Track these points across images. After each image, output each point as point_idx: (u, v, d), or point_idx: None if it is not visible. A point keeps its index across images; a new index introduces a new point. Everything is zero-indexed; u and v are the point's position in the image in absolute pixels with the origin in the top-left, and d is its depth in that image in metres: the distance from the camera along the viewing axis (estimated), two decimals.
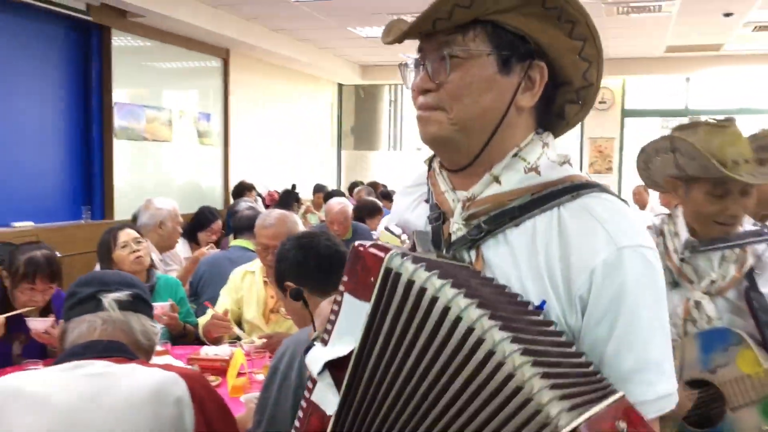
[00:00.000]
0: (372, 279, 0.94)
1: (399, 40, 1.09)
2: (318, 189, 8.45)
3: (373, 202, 6.31)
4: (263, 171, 8.40)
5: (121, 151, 6.14)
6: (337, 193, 7.54)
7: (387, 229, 1.19)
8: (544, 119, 1.13)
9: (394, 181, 9.77)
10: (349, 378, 0.96)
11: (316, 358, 1.00)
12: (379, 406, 0.93)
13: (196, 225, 4.94)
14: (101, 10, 5.67)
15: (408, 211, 1.24)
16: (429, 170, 1.19)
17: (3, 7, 5.02)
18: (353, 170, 11.66)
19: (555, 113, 1.15)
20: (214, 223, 4.92)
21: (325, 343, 1.01)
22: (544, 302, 0.99)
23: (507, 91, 1.06)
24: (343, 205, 5.20)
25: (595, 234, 0.99)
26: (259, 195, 7.45)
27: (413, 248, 1.08)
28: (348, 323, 0.98)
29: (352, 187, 8.92)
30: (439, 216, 1.12)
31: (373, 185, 8.69)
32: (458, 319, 0.87)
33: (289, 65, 9.02)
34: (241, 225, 4.18)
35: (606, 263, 0.97)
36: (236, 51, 7.79)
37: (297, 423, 1.04)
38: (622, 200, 1.06)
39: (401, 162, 12.03)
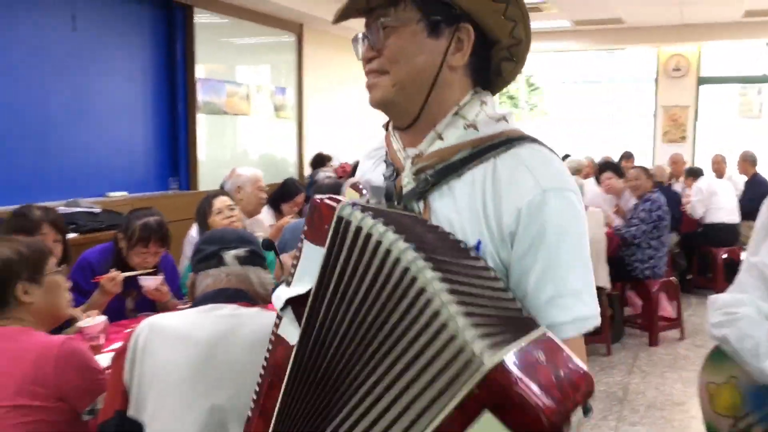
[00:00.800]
0: (326, 226, 1.06)
1: (341, 19, 1.23)
2: None
3: None
4: (336, 144, 8.61)
5: (204, 125, 6.44)
6: None
7: (352, 186, 1.29)
8: (482, 78, 1.24)
9: None
10: (308, 312, 1.08)
11: (279, 296, 1.13)
12: (333, 335, 1.04)
13: (280, 196, 5.15)
14: None
15: (369, 172, 1.36)
16: (386, 132, 1.32)
17: None
18: None
19: (493, 72, 1.26)
20: (298, 195, 5.11)
21: (288, 284, 1.13)
22: (479, 242, 1.12)
23: (437, 53, 1.17)
24: None
25: (524, 179, 1.11)
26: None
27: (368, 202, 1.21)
28: (307, 266, 1.10)
29: None
30: (393, 172, 1.25)
31: None
32: (397, 261, 0.96)
33: None
34: (321, 193, 4.37)
35: (531, 204, 1.09)
36: (309, 26, 7.98)
37: (266, 353, 1.18)
38: (551, 150, 1.18)
39: None
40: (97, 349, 2.46)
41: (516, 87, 14.66)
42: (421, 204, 1.18)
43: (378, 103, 1.23)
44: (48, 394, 1.76)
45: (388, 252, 0.97)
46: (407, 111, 1.21)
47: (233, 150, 7.05)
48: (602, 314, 4.68)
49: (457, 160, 1.17)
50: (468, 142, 1.18)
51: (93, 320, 2.53)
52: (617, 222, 5.75)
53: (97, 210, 4.73)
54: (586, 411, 0.93)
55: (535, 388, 0.86)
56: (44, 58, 5.04)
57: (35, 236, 2.55)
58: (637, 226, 5.30)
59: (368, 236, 1.00)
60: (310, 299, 1.08)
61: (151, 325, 1.58)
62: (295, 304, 1.11)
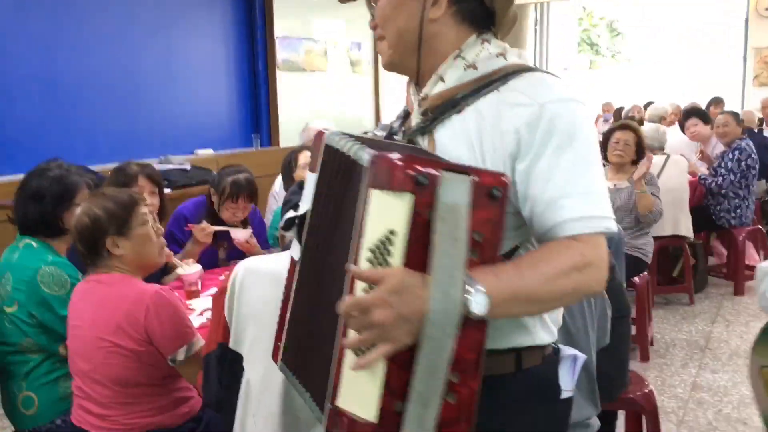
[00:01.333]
0: (317, 154, 1.25)
1: None
2: None
3: None
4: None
5: (283, 82, 6.59)
6: None
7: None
8: (481, 21, 1.26)
9: None
10: (307, 229, 1.28)
11: (285, 218, 1.34)
12: (317, 237, 1.24)
13: None
14: None
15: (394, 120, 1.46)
16: (407, 83, 1.39)
17: None
18: None
19: (490, 12, 1.26)
20: None
21: (296, 209, 1.34)
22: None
23: (415, 9, 1.23)
24: None
25: (519, 101, 1.15)
26: None
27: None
28: (308, 192, 1.30)
29: None
30: (405, 114, 1.36)
31: None
32: (352, 160, 1.12)
33: None
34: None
35: (530, 119, 1.13)
36: None
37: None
38: (551, 74, 1.21)
39: None
40: (194, 294, 2.66)
41: (597, 34, 14.20)
42: (426, 138, 1.25)
43: (387, 67, 1.31)
44: (139, 338, 1.95)
45: (348, 157, 1.14)
46: (409, 68, 1.29)
47: (311, 107, 7.19)
48: (685, 264, 4.59)
49: (458, 97, 1.22)
50: (469, 82, 1.23)
51: (190, 268, 2.73)
52: (702, 170, 5.60)
53: (187, 167, 4.98)
54: (492, 192, 1.02)
55: (397, 156, 1.00)
56: (133, 21, 5.27)
57: (132, 188, 2.73)
58: (724, 177, 5.14)
59: (344, 154, 1.16)
60: (308, 218, 1.29)
61: (246, 266, 1.72)
62: (299, 225, 1.32)
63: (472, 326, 1.00)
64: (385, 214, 1.00)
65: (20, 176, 2.58)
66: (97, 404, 1.99)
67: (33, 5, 4.63)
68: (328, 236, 1.21)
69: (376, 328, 0.98)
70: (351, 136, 1.21)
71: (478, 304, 0.99)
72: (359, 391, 1.01)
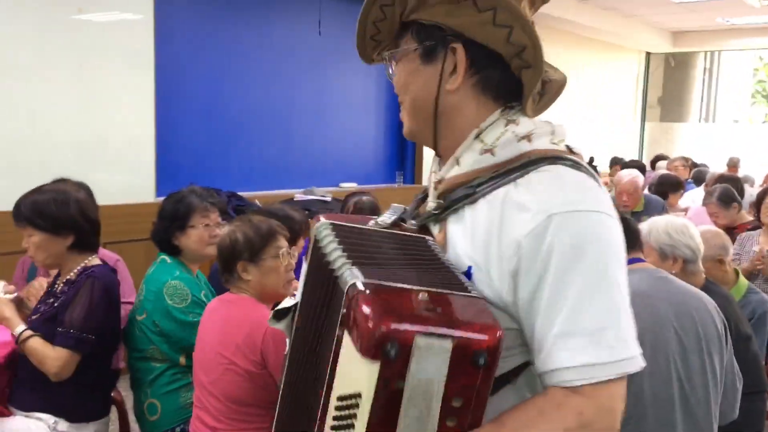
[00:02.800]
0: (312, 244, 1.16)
1: (360, 51, 1.24)
2: (615, 162, 8.24)
3: (675, 177, 6.04)
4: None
5: None
6: (635, 164, 7.21)
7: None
8: (506, 94, 1.12)
9: (704, 155, 9.15)
10: (296, 322, 1.23)
11: (276, 309, 1.29)
12: (301, 330, 1.17)
13: None
14: None
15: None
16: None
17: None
18: (657, 143, 11.12)
19: (518, 82, 1.12)
20: None
21: (293, 297, 1.29)
22: (470, 268, 1.03)
23: (431, 78, 1.11)
24: (633, 176, 5.01)
25: (526, 206, 0.99)
26: None
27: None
28: (301, 283, 1.22)
29: (655, 160, 8.56)
30: (425, 195, 1.22)
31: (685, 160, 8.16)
32: (333, 272, 0.98)
33: (592, 35, 8.91)
34: None
35: (533, 233, 0.97)
36: (540, 24, 7.92)
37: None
38: (578, 167, 1.04)
39: (713, 134, 11.16)
40: None
41: None
42: (438, 227, 1.15)
43: (407, 136, 1.23)
44: (255, 360, 2.05)
45: (327, 261, 1.02)
46: (426, 139, 1.18)
47: None
48: None
49: (473, 186, 1.09)
50: (486, 168, 1.10)
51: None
52: None
53: (328, 198, 5.17)
54: (476, 358, 0.86)
55: (369, 308, 0.86)
56: (292, 59, 5.61)
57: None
58: None
59: (323, 254, 1.05)
60: (297, 309, 1.24)
61: None
62: (293, 317, 1.28)
63: None
64: (353, 370, 0.90)
65: None
66: (211, 416, 2.10)
67: (203, 45, 5.05)
68: (309, 344, 1.13)
69: None
70: (346, 228, 1.11)
71: None
72: None
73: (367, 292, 0.89)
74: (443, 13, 1.08)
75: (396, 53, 1.15)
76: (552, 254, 0.95)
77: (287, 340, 1.30)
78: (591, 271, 0.96)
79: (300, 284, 1.23)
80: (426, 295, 0.90)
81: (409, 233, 1.15)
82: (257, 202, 4.75)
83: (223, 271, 2.20)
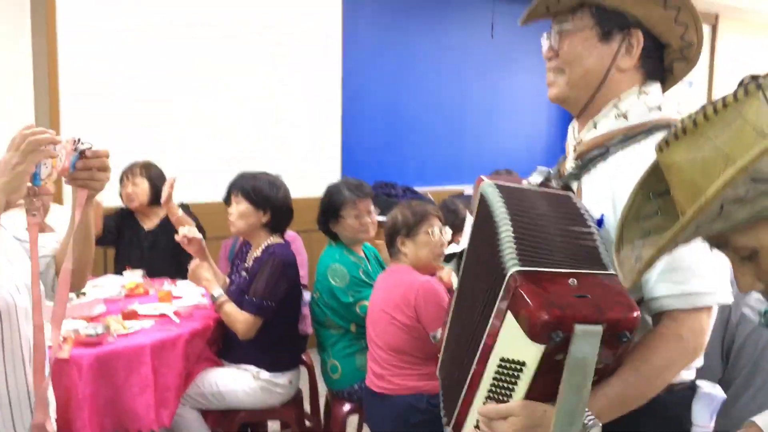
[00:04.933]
0: (475, 200, 1.40)
1: (526, 21, 1.40)
2: None
3: None
4: None
5: None
6: None
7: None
8: (655, 75, 1.34)
9: None
10: (462, 266, 1.46)
11: (447, 253, 1.57)
12: (465, 275, 1.42)
13: None
14: None
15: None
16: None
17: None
18: None
19: (667, 70, 1.37)
20: None
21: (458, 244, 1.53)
22: (602, 216, 1.23)
23: (607, 56, 1.30)
24: None
25: (643, 162, 1.09)
26: None
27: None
28: (467, 232, 1.47)
29: None
30: (566, 157, 1.44)
31: None
32: (495, 221, 1.21)
33: None
34: None
35: None
36: (727, 15, 7.59)
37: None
38: None
39: None
40: None
41: None
42: (576, 184, 1.37)
43: (554, 99, 1.41)
44: (410, 315, 2.45)
45: (493, 220, 1.23)
46: (577, 105, 1.38)
47: None
48: None
49: (605, 147, 1.31)
50: (619, 131, 1.31)
51: None
52: None
53: None
54: (621, 336, 1.05)
55: (535, 298, 1.05)
56: (466, 61, 5.92)
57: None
58: None
59: (488, 206, 1.28)
60: (465, 254, 1.48)
61: None
62: (459, 260, 1.53)
63: None
64: (518, 343, 1.09)
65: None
66: (378, 365, 2.53)
67: (383, 51, 5.49)
68: (473, 283, 1.37)
69: None
70: (504, 191, 1.30)
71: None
72: None
73: (526, 280, 1.08)
74: (632, 4, 1.28)
75: (568, 26, 1.33)
76: None
77: (454, 282, 1.60)
78: None
79: (466, 234, 1.51)
80: (575, 280, 1.09)
81: (555, 191, 1.39)
82: (429, 195, 5.10)
83: (388, 245, 2.64)
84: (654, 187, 1.01)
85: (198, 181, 4.19)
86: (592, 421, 1.11)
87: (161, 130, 4.28)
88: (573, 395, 1.07)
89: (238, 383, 2.70)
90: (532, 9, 1.39)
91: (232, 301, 2.71)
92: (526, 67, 6.24)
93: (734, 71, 7.87)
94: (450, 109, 5.90)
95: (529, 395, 1.13)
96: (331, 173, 5.00)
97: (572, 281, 1.10)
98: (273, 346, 2.73)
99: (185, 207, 3.64)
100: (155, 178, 3.53)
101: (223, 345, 2.84)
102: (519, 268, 1.11)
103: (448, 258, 1.60)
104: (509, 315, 1.11)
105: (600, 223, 1.28)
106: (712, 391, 1.42)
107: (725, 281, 1.23)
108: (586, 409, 1.10)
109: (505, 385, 1.16)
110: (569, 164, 1.40)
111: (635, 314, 1.08)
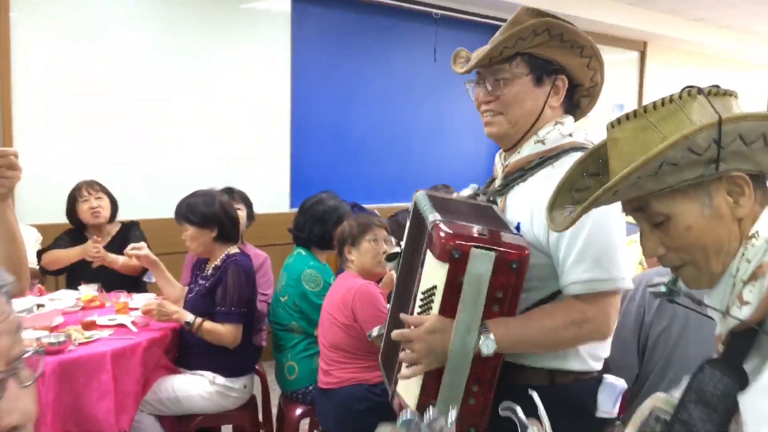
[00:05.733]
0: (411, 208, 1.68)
1: (468, 71, 1.64)
2: None
3: None
4: None
5: None
6: None
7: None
8: (569, 110, 1.63)
9: None
10: (400, 263, 1.73)
11: (388, 253, 1.88)
12: (403, 267, 1.69)
13: None
14: None
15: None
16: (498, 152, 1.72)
17: (450, 22, 6.31)
18: None
19: (575, 105, 1.67)
20: None
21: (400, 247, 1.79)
22: (519, 224, 1.49)
23: (541, 97, 1.57)
24: None
25: (556, 179, 1.33)
26: None
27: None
28: (405, 235, 1.73)
29: None
30: (492, 179, 1.72)
31: None
32: (424, 219, 1.49)
33: (709, 53, 8.88)
34: None
35: None
36: (654, 43, 8.06)
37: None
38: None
39: None
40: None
41: None
42: (501, 199, 1.63)
43: (494, 135, 1.65)
44: (348, 315, 2.66)
45: (422, 215, 1.53)
46: (514, 139, 1.64)
47: None
48: None
49: (526, 168, 1.58)
50: (536, 154, 1.59)
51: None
52: None
53: None
54: (511, 264, 1.33)
55: (444, 231, 1.37)
56: (411, 84, 6.18)
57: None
58: None
59: (419, 209, 1.58)
60: (401, 257, 1.76)
61: None
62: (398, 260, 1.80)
63: (488, 358, 1.40)
64: (433, 272, 1.42)
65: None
66: (324, 362, 2.75)
67: (330, 74, 5.71)
68: (407, 271, 1.65)
69: (415, 354, 1.44)
70: (433, 197, 1.61)
71: (487, 347, 1.39)
72: (408, 387, 1.52)
73: (443, 224, 1.40)
74: (557, 53, 1.55)
75: (507, 74, 1.57)
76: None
77: (394, 275, 1.85)
78: (595, 224, 1.43)
79: (405, 236, 1.76)
80: (483, 228, 1.39)
81: (480, 202, 1.67)
82: (377, 212, 5.31)
83: (338, 253, 2.88)
84: (589, 168, 1.24)
85: (160, 199, 4.33)
86: (488, 337, 1.38)
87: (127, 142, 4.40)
88: (470, 306, 1.37)
89: (195, 388, 2.83)
90: (479, 60, 1.60)
91: (189, 308, 2.87)
92: (466, 91, 6.53)
93: (661, 94, 8.32)
94: (395, 130, 6.15)
95: (441, 315, 1.42)
96: (281, 191, 5.19)
97: (479, 228, 1.40)
98: (228, 352, 2.87)
99: (135, 224, 3.77)
100: (110, 195, 3.65)
101: (179, 353, 2.96)
102: (438, 219, 1.42)
103: (390, 257, 1.81)
104: (428, 252, 1.41)
105: (517, 228, 1.52)
106: (615, 381, 1.63)
107: (626, 271, 1.47)
108: (484, 323, 1.38)
109: (425, 309, 1.45)
110: (497, 182, 1.67)
111: (526, 252, 1.36)
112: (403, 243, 1.78)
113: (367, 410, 2.66)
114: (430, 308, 1.44)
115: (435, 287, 1.41)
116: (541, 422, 1.14)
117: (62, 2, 4.15)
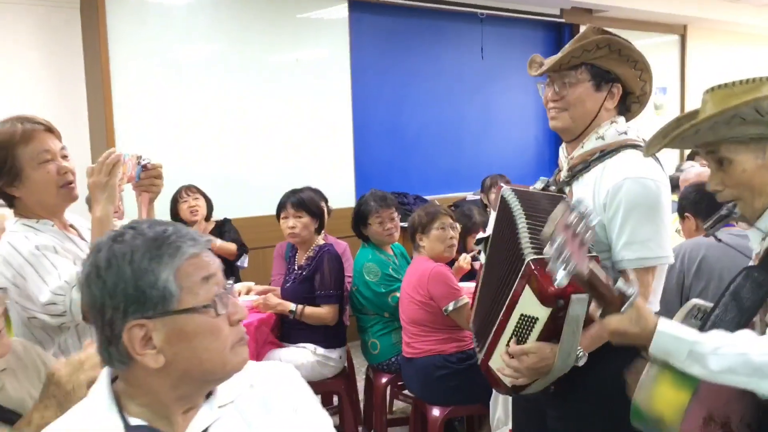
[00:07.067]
0: (497, 201, 1.99)
1: (541, 74, 1.92)
2: None
3: None
4: None
5: None
6: None
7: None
8: (622, 112, 1.91)
9: None
10: (488, 249, 2.05)
11: (477, 238, 2.19)
12: (490, 256, 2.02)
13: None
14: (571, 11, 6.96)
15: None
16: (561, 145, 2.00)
17: (495, 21, 6.66)
18: None
19: (626, 108, 1.93)
20: None
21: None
22: (589, 209, 1.66)
23: (599, 100, 1.85)
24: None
25: (615, 171, 1.72)
26: None
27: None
28: (491, 222, 2.04)
29: None
30: (558, 171, 1.98)
31: None
32: (512, 213, 1.81)
33: (749, 32, 8.98)
34: None
35: (614, 186, 1.74)
36: (694, 26, 8.24)
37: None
38: (641, 150, 1.75)
39: None
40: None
41: None
42: (568, 189, 1.91)
43: (558, 128, 1.92)
44: (425, 294, 3.07)
45: (511, 209, 1.85)
46: (574, 133, 1.91)
47: None
48: None
49: (589, 161, 1.86)
50: (597, 148, 1.87)
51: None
52: None
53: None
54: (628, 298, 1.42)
55: (545, 278, 1.56)
56: (459, 82, 6.57)
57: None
58: None
59: (507, 204, 1.89)
60: (489, 241, 2.07)
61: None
62: (485, 244, 2.11)
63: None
64: (533, 306, 1.64)
65: None
66: (407, 336, 3.20)
67: (386, 75, 6.13)
68: (497, 258, 1.96)
69: (523, 378, 1.75)
70: (518, 192, 1.90)
71: (581, 360, 1.71)
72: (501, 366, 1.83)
73: (539, 266, 1.60)
74: (614, 65, 1.85)
75: (573, 80, 1.86)
76: (621, 202, 1.74)
77: (482, 259, 2.17)
78: (644, 213, 1.74)
79: (491, 224, 2.11)
80: (573, 265, 1.38)
81: (553, 193, 1.97)
82: (436, 202, 5.73)
83: (411, 240, 3.27)
84: (682, 122, 1.52)
85: (245, 200, 4.93)
86: (581, 353, 1.73)
87: (200, 155, 4.92)
88: (570, 338, 1.65)
89: (299, 358, 3.29)
90: (550, 66, 1.89)
91: (289, 295, 3.37)
92: (514, 84, 6.89)
93: (704, 76, 8.49)
94: (447, 126, 6.54)
95: (540, 338, 1.70)
96: (346, 186, 5.64)
97: (571, 266, 1.44)
98: (326, 327, 3.35)
99: (227, 221, 4.28)
100: (206, 196, 4.18)
101: (283, 329, 3.45)
102: (533, 256, 1.65)
103: (479, 241, 2.21)
104: (527, 288, 1.66)
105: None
106: None
107: (667, 250, 1.80)
108: (578, 347, 1.72)
109: (524, 331, 1.75)
110: (563, 174, 1.95)
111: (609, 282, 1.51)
112: (489, 231, 2.12)
113: (445, 376, 3.10)
114: (529, 331, 1.71)
115: (536, 320, 1.67)
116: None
117: (153, 24, 4.67)
